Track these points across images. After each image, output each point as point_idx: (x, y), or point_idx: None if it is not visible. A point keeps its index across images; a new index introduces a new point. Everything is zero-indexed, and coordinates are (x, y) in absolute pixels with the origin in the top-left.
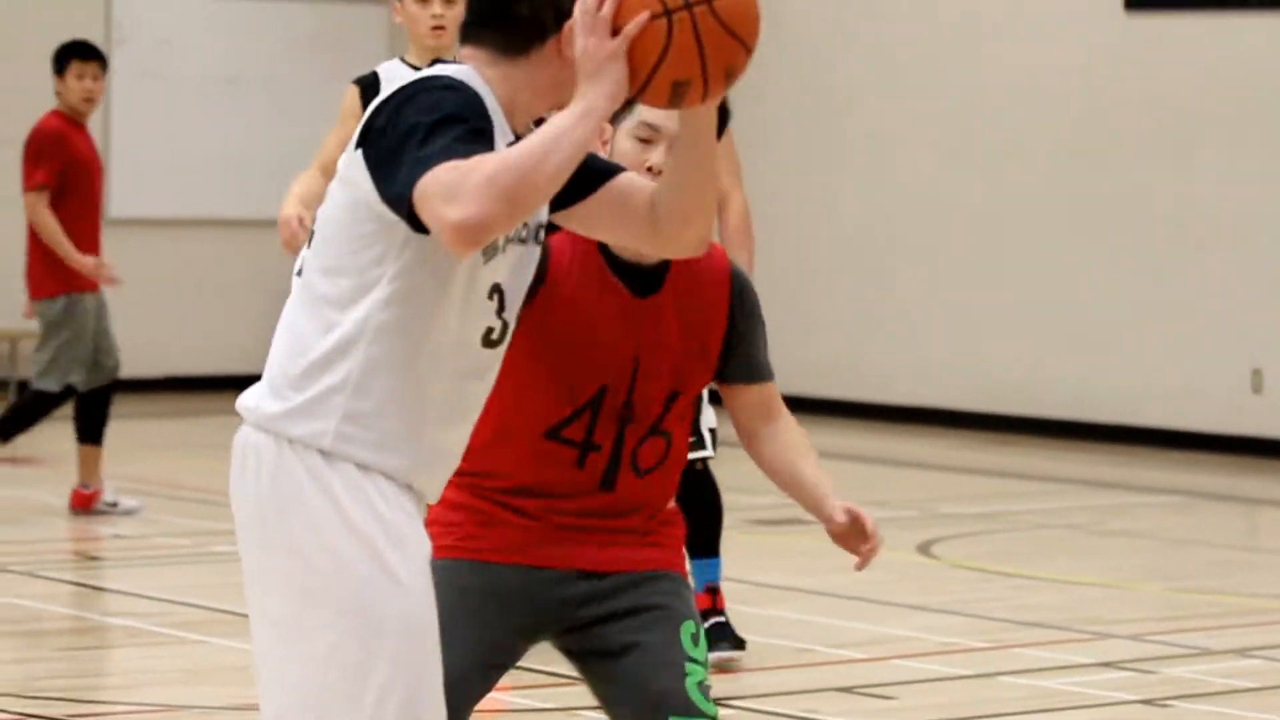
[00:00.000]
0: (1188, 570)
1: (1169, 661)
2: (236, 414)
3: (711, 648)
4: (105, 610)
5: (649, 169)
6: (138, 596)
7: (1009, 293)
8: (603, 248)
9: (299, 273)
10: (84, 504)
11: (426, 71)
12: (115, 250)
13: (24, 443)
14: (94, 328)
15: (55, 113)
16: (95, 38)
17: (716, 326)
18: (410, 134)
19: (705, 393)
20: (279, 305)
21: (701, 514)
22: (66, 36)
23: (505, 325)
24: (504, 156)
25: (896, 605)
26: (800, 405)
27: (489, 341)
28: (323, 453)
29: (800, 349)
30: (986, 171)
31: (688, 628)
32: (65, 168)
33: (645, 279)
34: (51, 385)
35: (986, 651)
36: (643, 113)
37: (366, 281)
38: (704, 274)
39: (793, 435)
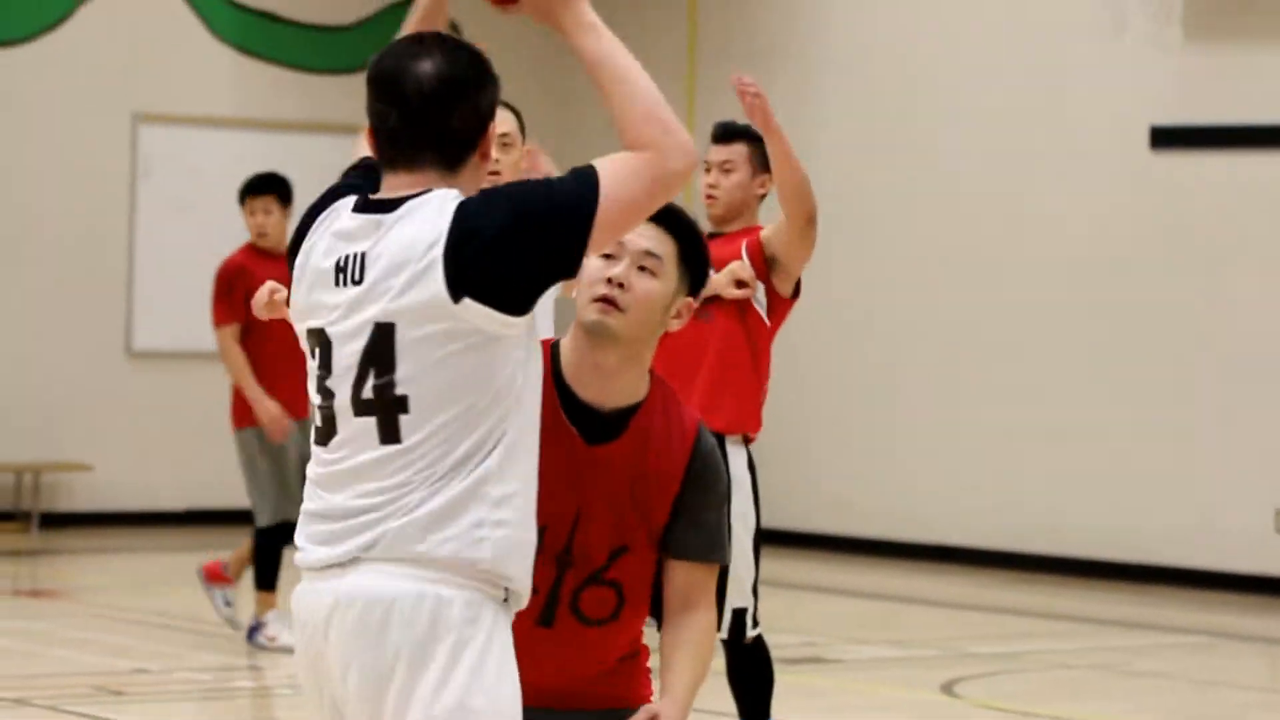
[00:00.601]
0: (1212, 712)
1: None
2: None
3: None
4: None
5: (608, 279)
6: None
7: (1033, 431)
8: (560, 386)
9: (394, 440)
10: (213, 578)
11: (453, 199)
12: (138, 382)
13: (46, 575)
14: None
15: (244, 246)
16: (121, 170)
17: (667, 491)
18: (549, 210)
19: (738, 568)
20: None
21: (754, 684)
22: (93, 169)
23: None
24: (640, 96)
25: None
26: (823, 543)
27: None
28: (460, 585)
29: (824, 486)
30: (1009, 309)
31: None
32: (246, 300)
33: (601, 425)
34: (263, 520)
35: None
36: None
37: (500, 397)
38: (669, 433)
39: (692, 633)
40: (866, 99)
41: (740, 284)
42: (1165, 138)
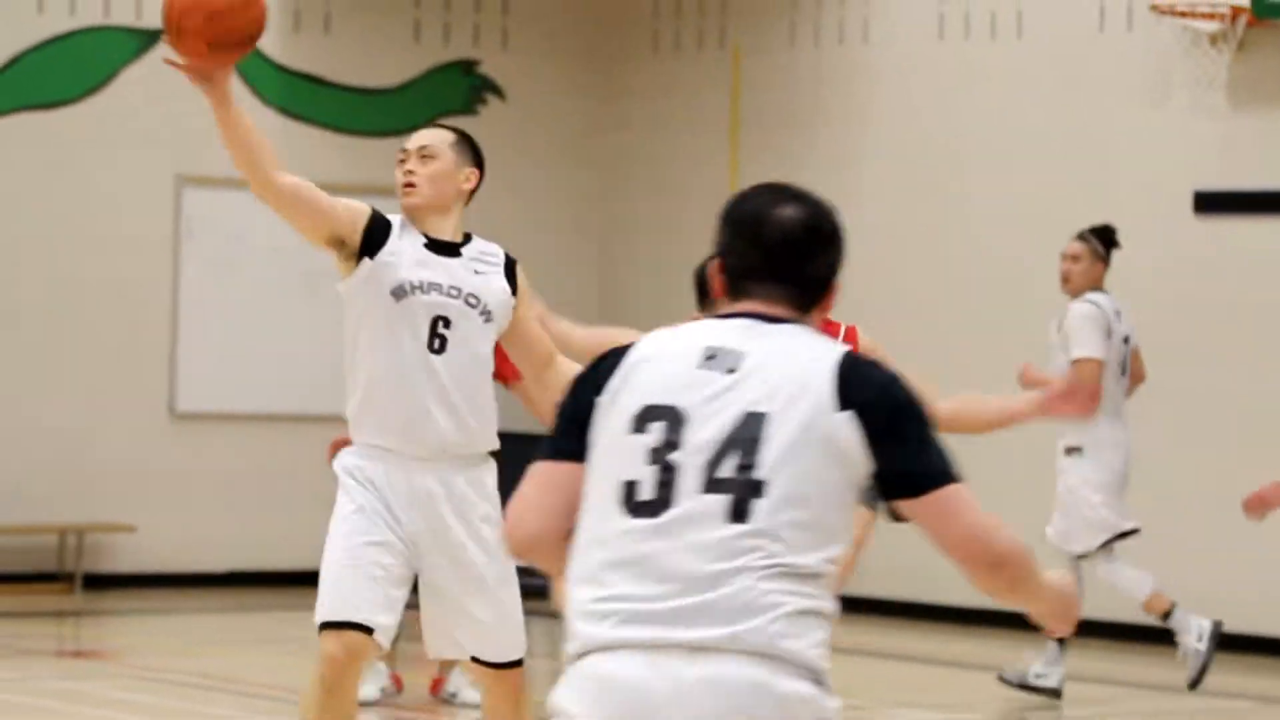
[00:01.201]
0: None
1: None
2: (300, 609)
3: None
4: None
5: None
6: None
7: None
8: None
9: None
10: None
11: (832, 342)
12: (181, 444)
13: (89, 636)
14: None
15: None
16: (165, 232)
17: None
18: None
19: None
20: None
21: None
22: (136, 231)
23: None
24: None
25: None
26: (867, 606)
27: None
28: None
29: (868, 551)
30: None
31: None
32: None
33: None
34: None
35: None
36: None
37: (847, 507)
38: None
39: None
40: (908, 167)
41: None
42: (1209, 202)
